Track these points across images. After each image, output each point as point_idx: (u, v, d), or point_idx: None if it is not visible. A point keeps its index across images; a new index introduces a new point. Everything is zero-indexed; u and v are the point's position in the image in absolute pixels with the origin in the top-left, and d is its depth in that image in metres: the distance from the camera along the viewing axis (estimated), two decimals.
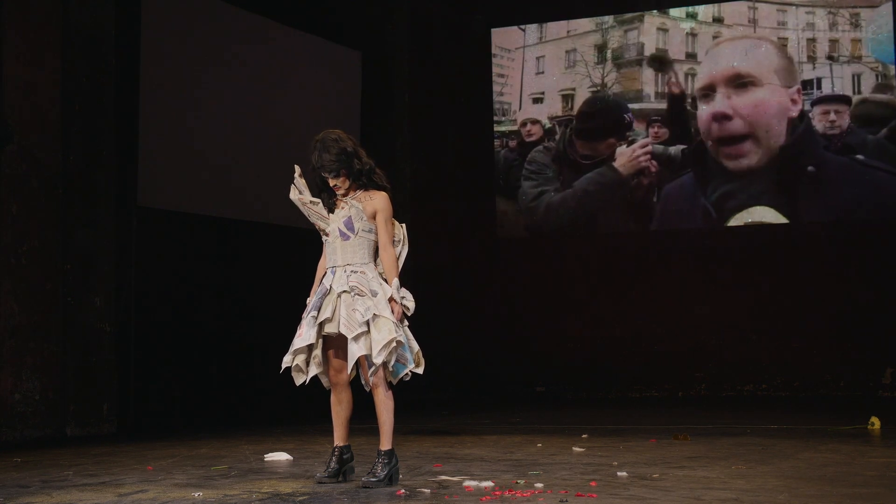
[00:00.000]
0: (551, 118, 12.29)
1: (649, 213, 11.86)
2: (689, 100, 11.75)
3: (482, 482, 4.86)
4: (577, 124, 12.17)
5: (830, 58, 11.32)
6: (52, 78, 7.92)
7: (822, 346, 11.03)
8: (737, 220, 11.48)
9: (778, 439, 6.84)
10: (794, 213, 11.37)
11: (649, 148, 11.84)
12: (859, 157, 11.11)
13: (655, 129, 11.84)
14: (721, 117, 11.54)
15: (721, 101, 11.57)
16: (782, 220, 11.36)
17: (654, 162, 11.81)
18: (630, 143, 11.92)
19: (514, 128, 12.44)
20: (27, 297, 7.65)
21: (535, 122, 12.32)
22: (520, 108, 12.44)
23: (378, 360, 4.77)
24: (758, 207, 11.42)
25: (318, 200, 5.02)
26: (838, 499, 4.36)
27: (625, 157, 11.92)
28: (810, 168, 11.23)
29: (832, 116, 11.26)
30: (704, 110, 11.65)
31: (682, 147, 11.74)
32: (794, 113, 11.34)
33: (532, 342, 11.94)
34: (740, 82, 11.55)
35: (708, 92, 11.68)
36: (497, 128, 12.47)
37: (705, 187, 11.63)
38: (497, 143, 12.47)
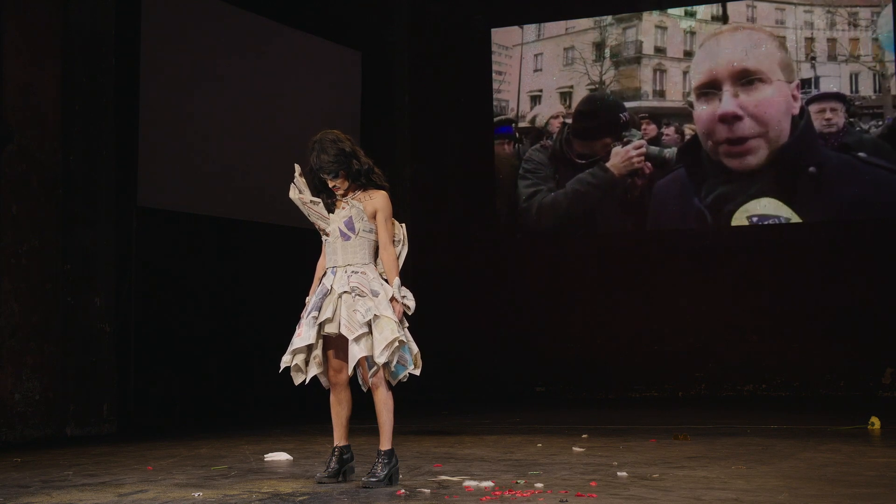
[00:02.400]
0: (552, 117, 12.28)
1: (645, 212, 11.84)
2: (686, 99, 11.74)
3: (482, 482, 4.86)
4: (574, 123, 12.16)
5: (831, 57, 11.30)
6: (52, 78, 7.92)
7: (822, 346, 11.02)
8: (742, 213, 11.39)
9: (778, 439, 6.85)
10: (794, 212, 11.34)
11: (643, 149, 11.82)
12: (861, 154, 11.07)
13: (643, 126, 11.83)
14: (731, 118, 11.45)
15: (729, 101, 11.48)
16: (787, 211, 11.27)
17: (648, 164, 11.79)
18: (625, 143, 11.90)
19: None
20: (27, 297, 7.65)
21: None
22: (518, 106, 12.44)
23: (381, 359, 4.77)
24: (763, 199, 11.36)
25: (319, 200, 5.02)
26: (838, 499, 4.36)
27: (618, 157, 11.91)
28: (811, 168, 11.20)
29: (828, 115, 11.22)
30: (705, 110, 11.61)
31: (677, 149, 11.72)
32: (796, 110, 11.31)
33: (532, 342, 11.93)
34: (748, 79, 11.48)
35: (709, 90, 11.62)
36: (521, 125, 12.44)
37: (699, 187, 11.59)
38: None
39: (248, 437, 7.42)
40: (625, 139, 11.90)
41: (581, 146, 12.11)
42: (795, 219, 11.26)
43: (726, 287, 11.39)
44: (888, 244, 10.91)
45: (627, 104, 11.98)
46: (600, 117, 12.07)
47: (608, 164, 11.95)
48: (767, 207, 11.33)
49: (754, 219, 11.36)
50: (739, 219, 11.43)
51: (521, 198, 12.29)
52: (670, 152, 11.74)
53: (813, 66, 11.33)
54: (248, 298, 9.74)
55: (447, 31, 12.58)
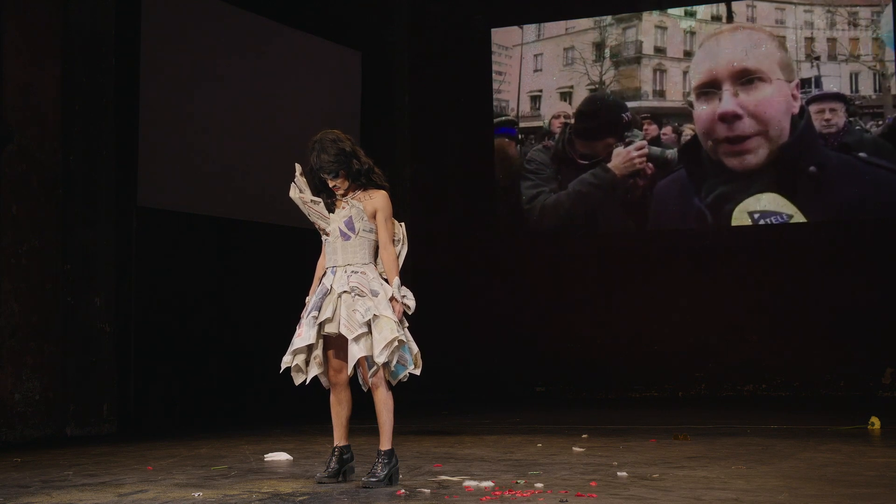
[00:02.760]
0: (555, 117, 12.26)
1: (647, 212, 11.84)
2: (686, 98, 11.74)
3: (482, 482, 4.86)
4: (576, 123, 12.16)
5: (831, 57, 11.29)
6: (52, 78, 7.92)
7: (822, 346, 11.03)
8: (743, 209, 11.36)
9: (778, 439, 6.85)
10: (796, 206, 11.31)
11: (645, 150, 11.81)
12: (862, 154, 11.06)
13: (645, 127, 11.82)
14: (731, 117, 11.43)
15: (729, 100, 11.47)
16: (788, 206, 11.25)
17: (649, 164, 11.78)
18: (627, 143, 11.89)
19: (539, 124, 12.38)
20: (27, 297, 7.65)
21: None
22: (518, 106, 12.43)
23: (380, 359, 4.77)
24: (764, 195, 11.34)
25: (319, 200, 5.02)
26: (838, 499, 4.36)
27: (620, 157, 11.90)
28: (812, 168, 11.19)
29: (827, 115, 11.21)
30: (705, 110, 11.61)
31: (678, 149, 11.71)
32: (796, 109, 11.30)
33: (532, 342, 11.93)
34: (747, 78, 11.46)
35: (709, 90, 11.61)
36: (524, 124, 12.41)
37: (699, 187, 11.59)
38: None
39: (248, 437, 7.42)
40: (627, 140, 11.89)
41: (583, 146, 12.11)
42: (797, 214, 11.23)
43: (726, 287, 11.39)
44: (888, 244, 10.91)
45: (627, 104, 11.98)
46: (602, 117, 12.07)
47: (610, 165, 11.94)
48: (769, 204, 11.32)
49: (756, 215, 11.35)
50: (740, 215, 11.40)
51: (524, 199, 12.28)
52: (672, 153, 11.73)
53: (814, 66, 11.32)
54: (248, 298, 9.73)
55: (447, 31, 12.58)
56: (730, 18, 11.60)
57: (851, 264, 11.04)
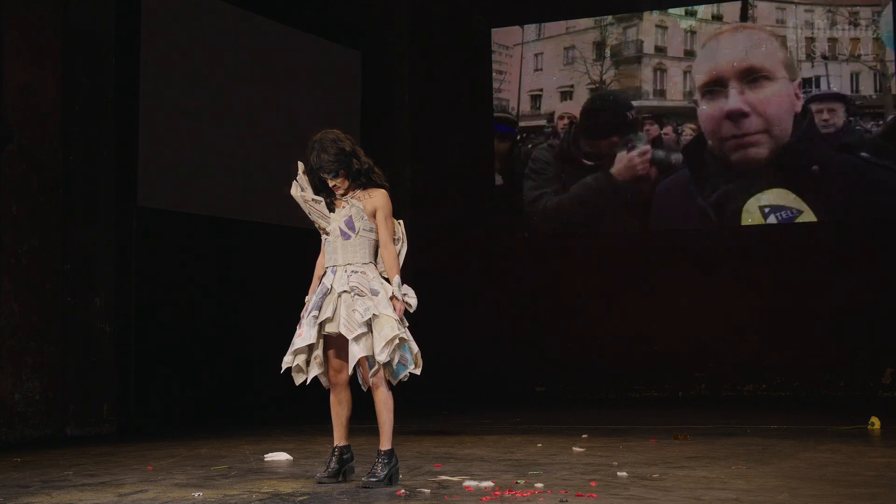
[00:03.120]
0: (559, 116, 12.24)
1: (648, 212, 11.82)
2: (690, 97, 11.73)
3: (482, 482, 4.86)
4: (581, 122, 12.14)
5: (831, 56, 11.29)
6: (52, 78, 7.92)
7: (822, 346, 11.02)
8: (754, 203, 11.33)
9: (778, 439, 6.85)
10: (802, 206, 11.29)
11: (648, 155, 11.79)
12: (864, 154, 11.06)
13: (646, 126, 11.81)
14: (738, 115, 11.42)
15: (735, 98, 11.46)
16: (797, 202, 11.23)
17: (653, 168, 11.76)
18: (631, 148, 11.86)
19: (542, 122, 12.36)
20: (27, 297, 7.65)
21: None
22: (518, 106, 12.42)
23: (381, 357, 4.77)
24: (768, 192, 11.32)
25: (321, 199, 5.02)
26: (838, 499, 4.36)
27: (622, 163, 11.88)
28: (814, 168, 11.18)
29: (825, 115, 11.20)
30: (709, 108, 11.60)
31: (682, 152, 11.70)
32: (798, 108, 11.30)
33: (532, 342, 11.93)
34: (753, 77, 11.45)
35: (715, 88, 11.60)
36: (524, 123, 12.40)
37: (703, 185, 11.58)
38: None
39: (248, 437, 7.42)
40: (630, 144, 11.85)
41: (588, 145, 12.09)
42: (803, 207, 11.19)
43: (727, 287, 11.38)
44: (888, 244, 10.91)
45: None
46: (608, 116, 12.05)
47: (612, 171, 11.91)
48: (771, 200, 11.30)
49: (766, 209, 11.32)
50: (752, 209, 11.36)
51: (526, 200, 12.27)
52: (677, 156, 11.70)
53: (820, 65, 11.30)
54: (248, 298, 9.74)
55: (447, 31, 12.58)
56: (744, 17, 11.58)
57: (851, 264, 11.03)
